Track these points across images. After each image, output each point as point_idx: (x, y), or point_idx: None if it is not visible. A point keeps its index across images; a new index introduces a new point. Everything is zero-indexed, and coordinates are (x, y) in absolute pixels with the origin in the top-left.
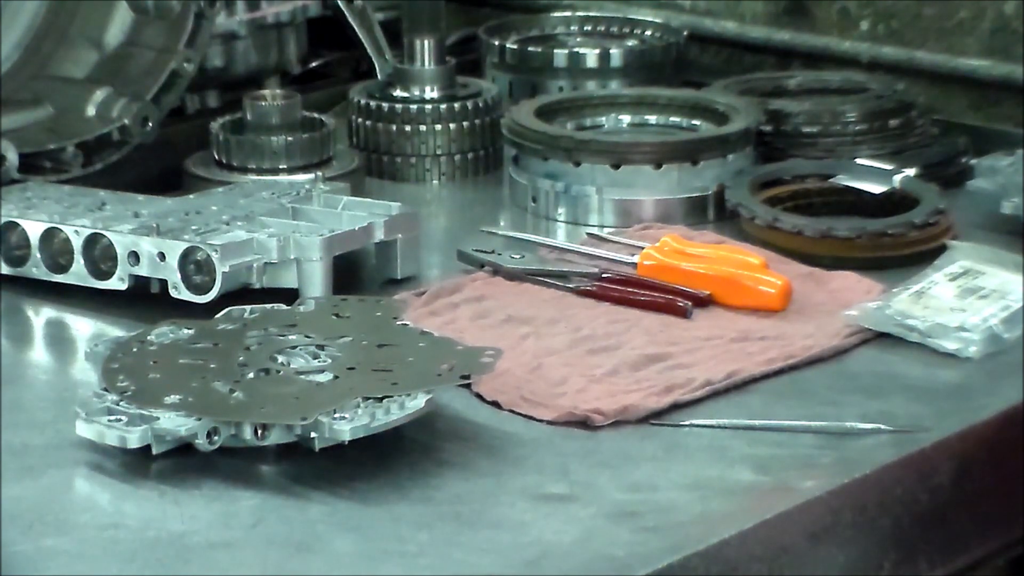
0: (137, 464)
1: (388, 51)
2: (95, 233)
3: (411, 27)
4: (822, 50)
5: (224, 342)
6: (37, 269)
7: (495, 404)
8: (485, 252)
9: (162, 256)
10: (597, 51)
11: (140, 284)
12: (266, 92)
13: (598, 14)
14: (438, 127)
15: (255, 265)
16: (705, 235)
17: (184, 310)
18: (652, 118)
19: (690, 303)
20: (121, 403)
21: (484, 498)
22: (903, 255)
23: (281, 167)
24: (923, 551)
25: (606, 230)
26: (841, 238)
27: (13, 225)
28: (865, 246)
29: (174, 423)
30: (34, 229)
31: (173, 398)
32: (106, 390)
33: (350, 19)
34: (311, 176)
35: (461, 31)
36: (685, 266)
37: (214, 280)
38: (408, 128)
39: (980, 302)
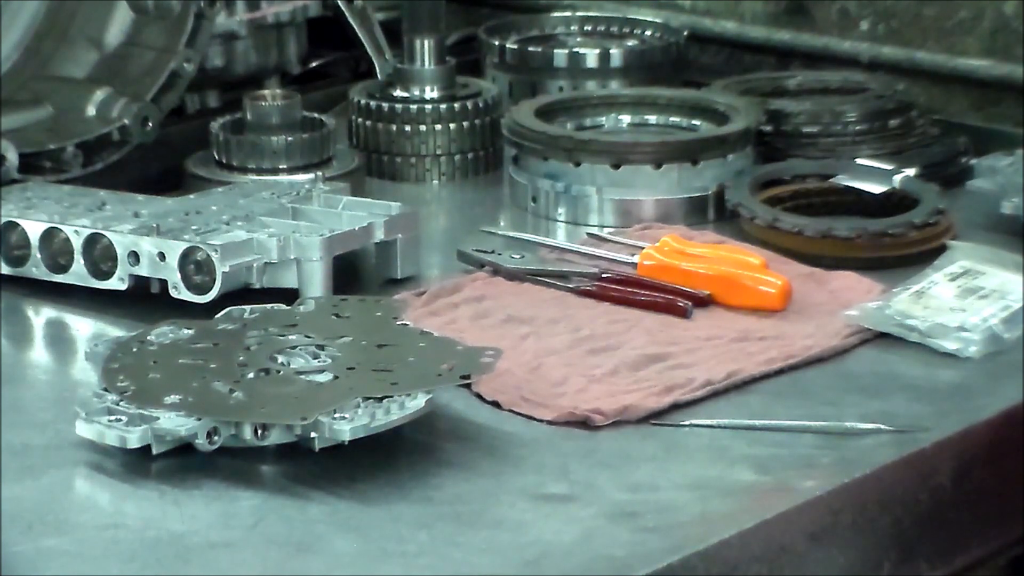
0: (137, 464)
1: (388, 51)
2: (95, 233)
3: (411, 27)
4: (822, 50)
5: (224, 342)
6: (37, 269)
7: (495, 404)
8: (485, 252)
9: (162, 256)
10: (597, 51)
11: (140, 284)
12: (266, 92)
13: (598, 14)
14: (438, 127)
15: (255, 265)
16: (705, 235)
17: (184, 310)
18: (652, 118)
19: (690, 303)
20: (121, 403)
21: (484, 498)
22: (903, 255)
23: (281, 167)
24: (923, 551)
25: (606, 230)
26: (841, 238)
27: (13, 225)
28: (865, 246)
29: (174, 423)
30: (34, 229)
31: (173, 398)
32: (106, 390)
33: (350, 19)
34: (311, 176)
35: (461, 31)
36: (685, 266)
37: (214, 280)
38: (408, 128)
39: (980, 302)
